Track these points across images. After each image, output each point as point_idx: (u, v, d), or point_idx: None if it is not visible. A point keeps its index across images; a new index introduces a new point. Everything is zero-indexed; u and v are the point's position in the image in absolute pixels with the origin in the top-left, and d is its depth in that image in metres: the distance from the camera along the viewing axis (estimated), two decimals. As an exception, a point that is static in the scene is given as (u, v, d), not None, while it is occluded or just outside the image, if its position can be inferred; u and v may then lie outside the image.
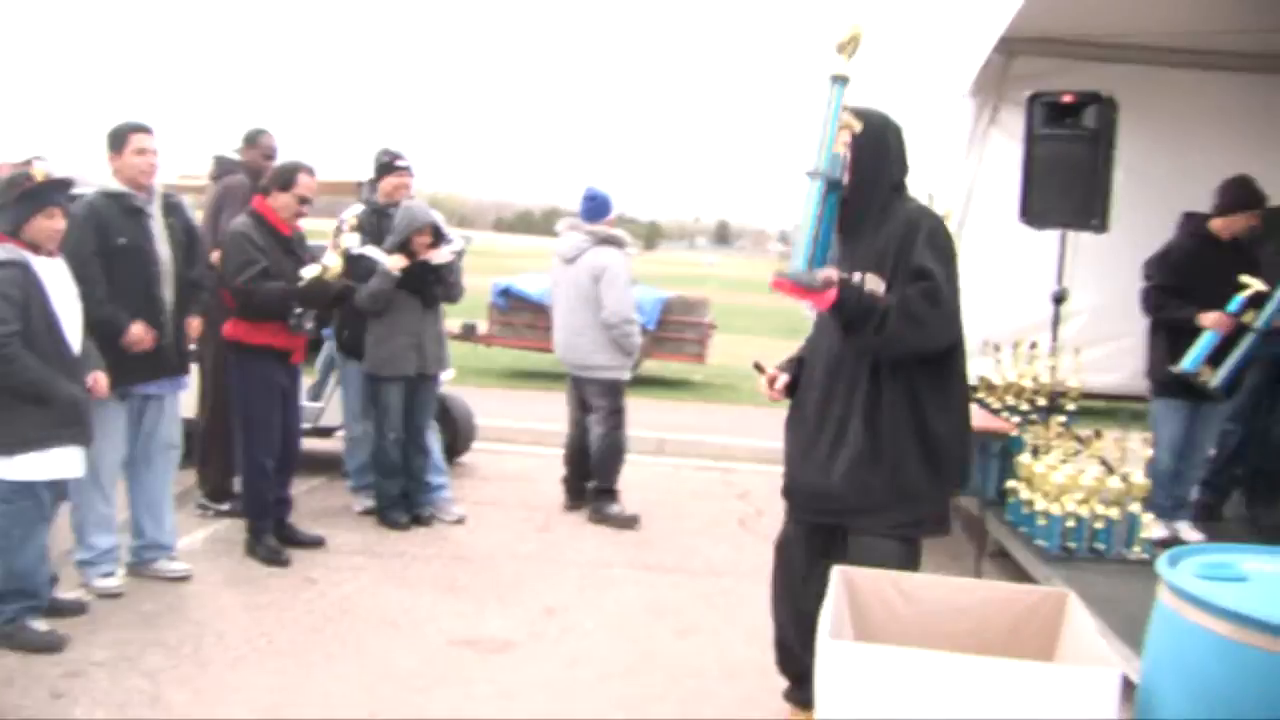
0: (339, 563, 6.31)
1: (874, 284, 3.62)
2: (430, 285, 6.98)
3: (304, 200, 6.27)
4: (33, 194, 4.94)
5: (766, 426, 10.97)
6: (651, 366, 15.30)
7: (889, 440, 3.70)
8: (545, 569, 6.40)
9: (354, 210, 7.16)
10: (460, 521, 7.26)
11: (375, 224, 7.05)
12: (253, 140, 7.37)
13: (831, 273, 3.53)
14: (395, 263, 6.76)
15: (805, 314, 4.22)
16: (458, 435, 8.80)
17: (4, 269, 4.74)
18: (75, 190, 5.47)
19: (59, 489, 5.03)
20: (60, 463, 4.87)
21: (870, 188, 3.75)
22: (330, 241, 6.60)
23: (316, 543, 6.55)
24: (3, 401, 4.76)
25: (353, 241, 6.77)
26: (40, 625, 4.90)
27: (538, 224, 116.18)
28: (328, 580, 5.99)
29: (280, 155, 7.14)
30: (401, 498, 7.12)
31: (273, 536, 6.34)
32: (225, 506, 7.04)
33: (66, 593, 5.37)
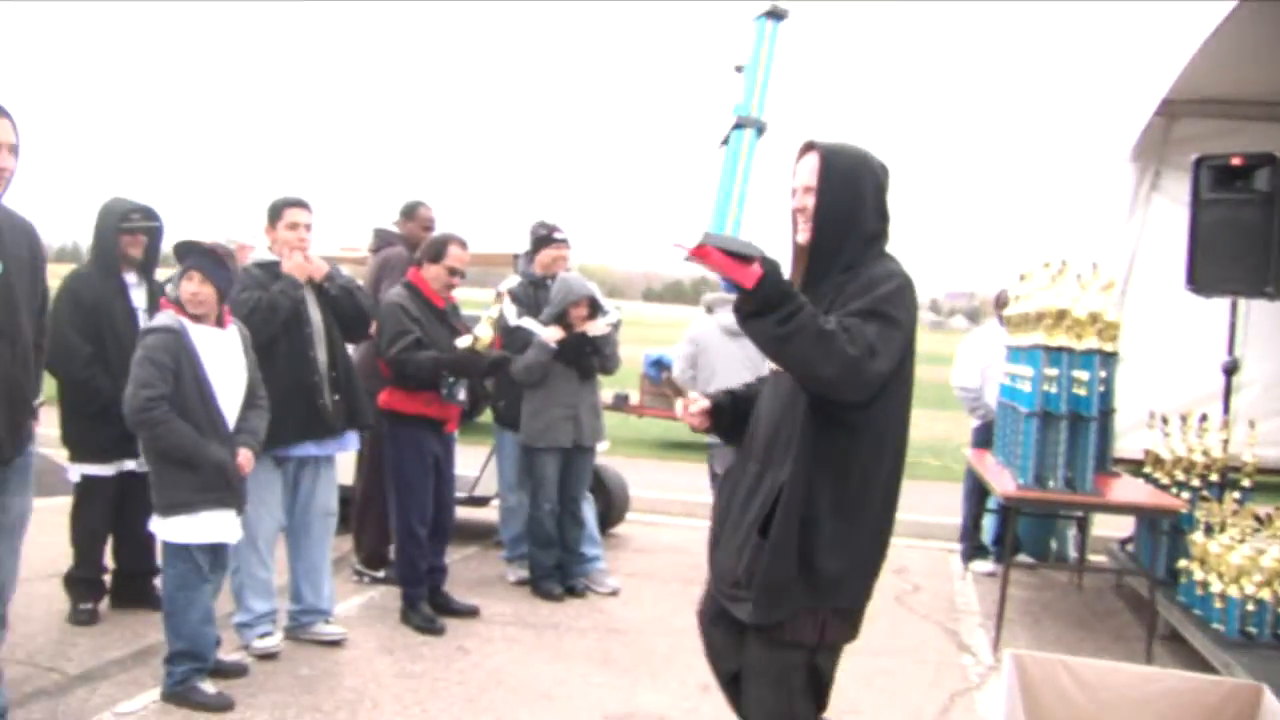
0: (492, 633, 6.31)
1: None
2: (587, 357, 7.01)
3: (454, 272, 6.34)
4: (176, 258, 5.12)
5: (922, 500, 10.80)
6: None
7: (779, 533, 3.09)
8: (701, 644, 6.29)
9: (510, 282, 7.26)
10: (614, 594, 7.22)
11: (532, 296, 7.14)
12: (410, 213, 7.55)
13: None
14: (552, 334, 6.82)
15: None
16: (612, 506, 8.79)
17: (157, 335, 4.90)
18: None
19: (220, 554, 5.14)
20: (210, 527, 4.94)
21: (835, 240, 3.14)
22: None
23: (470, 612, 6.57)
24: (156, 465, 4.91)
25: (510, 313, 6.87)
26: (209, 687, 5.00)
27: (687, 294, 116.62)
28: (481, 650, 6.00)
29: (439, 227, 7.28)
30: (556, 569, 7.13)
31: (427, 605, 6.37)
32: (380, 574, 7.13)
33: (227, 655, 5.46)
